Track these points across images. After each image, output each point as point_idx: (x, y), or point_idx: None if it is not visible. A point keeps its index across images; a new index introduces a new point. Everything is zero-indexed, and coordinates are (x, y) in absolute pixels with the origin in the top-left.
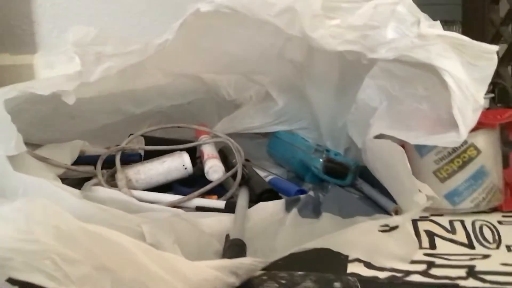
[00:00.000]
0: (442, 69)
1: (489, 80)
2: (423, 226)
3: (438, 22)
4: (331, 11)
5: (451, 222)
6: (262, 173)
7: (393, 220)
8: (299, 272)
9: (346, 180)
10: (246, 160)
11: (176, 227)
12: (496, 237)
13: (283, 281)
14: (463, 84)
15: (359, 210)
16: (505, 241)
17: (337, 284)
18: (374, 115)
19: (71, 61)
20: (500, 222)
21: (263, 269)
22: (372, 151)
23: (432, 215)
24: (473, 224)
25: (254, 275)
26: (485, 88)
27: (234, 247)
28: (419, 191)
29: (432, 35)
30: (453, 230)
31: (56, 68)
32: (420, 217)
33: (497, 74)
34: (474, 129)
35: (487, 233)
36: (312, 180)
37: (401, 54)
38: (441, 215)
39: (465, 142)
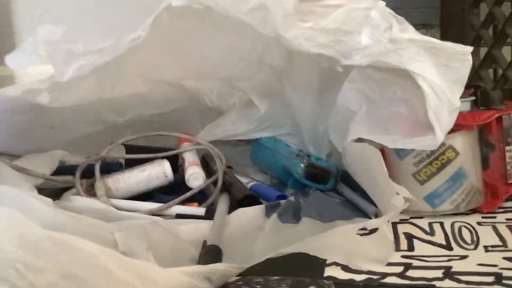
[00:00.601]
0: (415, 73)
1: (464, 81)
2: (402, 228)
3: (411, 26)
4: (304, 14)
5: (430, 224)
6: (244, 180)
7: (370, 223)
8: (275, 277)
9: (327, 185)
10: (228, 167)
11: (150, 234)
12: (475, 238)
13: (259, 286)
14: (437, 86)
15: (339, 214)
16: (483, 242)
17: (312, 287)
18: (353, 119)
19: (42, 61)
20: (479, 223)
21: (239, 274)
22: (351, 155)
23: (412, 217)
24: (452, 225)
25: (229, 280)
26: (461, 89)
27: (209, 253)
28: (397, 193)
29: (404, 40)
30: (432, 232)
31: (28, 69)
32: (400, 219)
33: (478, 77)
34: (452, 131)
35: (466, 234)
36: (295, 186)
37: (374, 59)
38: (421, 217)
39: (443, 144)
